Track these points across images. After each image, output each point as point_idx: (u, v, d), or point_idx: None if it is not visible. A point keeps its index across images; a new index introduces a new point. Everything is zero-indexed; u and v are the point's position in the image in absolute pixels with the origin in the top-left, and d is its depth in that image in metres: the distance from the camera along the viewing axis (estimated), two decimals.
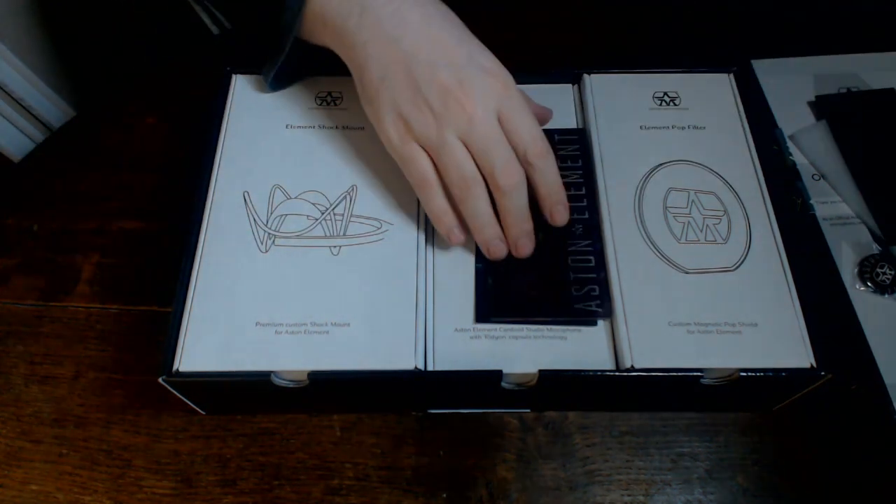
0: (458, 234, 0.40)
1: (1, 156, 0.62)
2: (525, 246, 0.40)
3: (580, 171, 0.45)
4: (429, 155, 0.39)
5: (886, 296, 0.45)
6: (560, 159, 0.44)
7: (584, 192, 0.44)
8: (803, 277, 0.41)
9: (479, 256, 0.42)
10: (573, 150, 0.46)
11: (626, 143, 0.46)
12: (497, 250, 0.40)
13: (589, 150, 0.46)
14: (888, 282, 0.45)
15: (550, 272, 0.41)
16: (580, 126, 0.48)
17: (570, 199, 0.44)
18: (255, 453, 0.43)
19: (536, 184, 0.40)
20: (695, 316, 0.39)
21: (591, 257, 0.42)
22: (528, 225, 0.40)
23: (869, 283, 0.45)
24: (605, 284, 0.41)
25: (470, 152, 0.38)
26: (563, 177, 0.42)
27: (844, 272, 0.46)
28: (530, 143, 0.38)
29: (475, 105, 0.37)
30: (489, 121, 0.38)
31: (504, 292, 0.41)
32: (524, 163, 0.39)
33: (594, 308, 0.40)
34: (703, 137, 0.46)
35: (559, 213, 0.41)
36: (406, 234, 0.42)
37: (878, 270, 0.45)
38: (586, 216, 0.43)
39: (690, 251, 0.41)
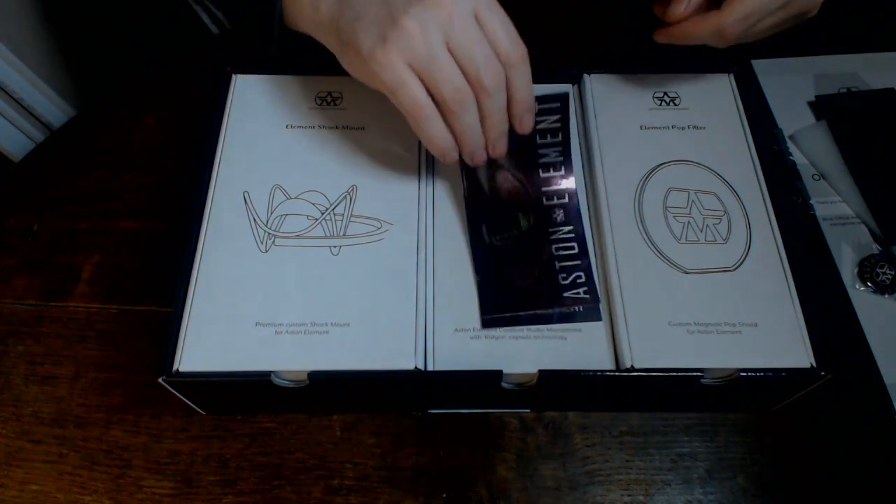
0: (453, 155, 0.40)
1: (1, 156, 0.62)
2: (503, 146, 0.41)
3: (559, 149, 0.44)
4: (417, 75, 0.38)
5: (886, 296, 0.45)
6: (539, 133, 0.43)
7: (563, 172, 0.44)
8: (803, 277, 0.41)
9: (476, 259, 0.42)
10: (553, 121, 0.44)
11: (626, 143, 0.46)
12: (481, 157, 0.40)
13: (569, 124, 0.43)
14: (888, 282, 0.45)
15: (537, 264, 0.42)
16: (580, 125, 0.47)
17: (551, 181, 0.43)
18: (255, 453, 0.43)
19: (513, 86, 0.39)
20: (695, 316, 0.39)
21: (574, 244, 0.42)
22: (506, 125, 0.40)
23: (869, 283, 0.45)
24: (589, 269, 0.41)
25: (454, 56, 0.37)
26: (541, 155, 0.42)
27: (844, 272, 0.46)
28: (510, 44, 0.38)
29: (451, 4, 0.37)
30: (468, 19, 0.37)
31: (495, 290, 0.41)
32: (504, 64, 0.38)
33: (582, 295, 0.40)
34: (703, 137, 0.46)
35: (528, 120, 0.40)
36: (406, 234, 0.42)
37: (879, 270, 0.45)
38: (566, 200, 0.43)
39: (690, 251, 0.41)
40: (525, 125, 0.41)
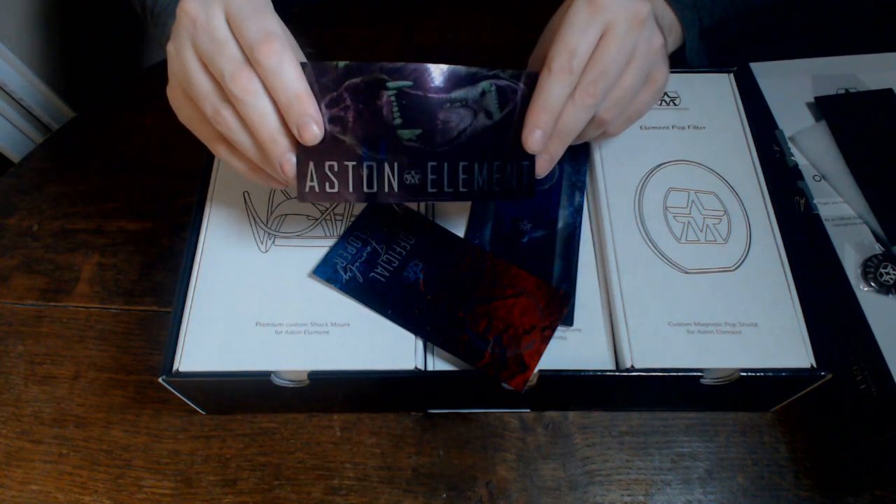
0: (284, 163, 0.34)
1: (1, 156, 0.62)
2: (286, 162, 0.34)
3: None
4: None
5: (891, 295, 0.45)
6: None
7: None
8: (804, 277, 0.41)
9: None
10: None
11: (626, 143, 0.46)
12: (271, 173, 0.36)
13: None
14: (892, 282, 0.45)
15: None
16: None
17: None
18: (255, 453, 0.43)
19: (271, 91, 0.33)
20: (695, 316, 0.39)
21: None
22: (270, 131, 0.34)
23: (873, 283, 0.45)
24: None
25: (206, 67, 0.35)
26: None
27: (848, 273, 0.46)
28: (255, 41, 0.33)
29: (197, 9, 0.34)
30: (212, 23, 0.34)
31: None
32: (253, 63, 0.34)
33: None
34: (703, 137, 0.46)
35: (307, 129, 0.33)
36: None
37: (882, 270, 0.45)
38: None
39: (690, 251, 0.41)
40: (303, 134, 0.33)
